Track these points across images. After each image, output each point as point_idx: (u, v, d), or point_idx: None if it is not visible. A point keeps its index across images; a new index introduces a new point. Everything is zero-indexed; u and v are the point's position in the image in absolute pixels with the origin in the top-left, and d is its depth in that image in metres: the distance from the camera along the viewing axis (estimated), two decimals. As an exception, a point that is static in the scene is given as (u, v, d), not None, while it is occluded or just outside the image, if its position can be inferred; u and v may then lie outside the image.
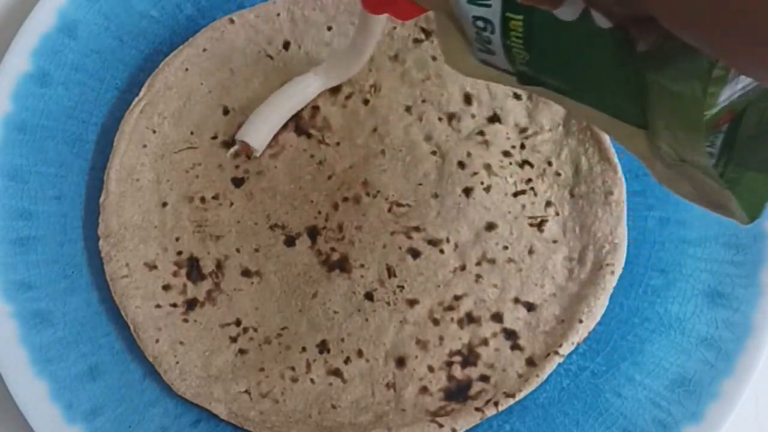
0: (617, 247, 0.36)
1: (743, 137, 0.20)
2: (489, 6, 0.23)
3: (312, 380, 0.36)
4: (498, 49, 0.24)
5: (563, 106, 0.25)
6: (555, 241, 0.37)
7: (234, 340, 0.36)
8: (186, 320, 0.37)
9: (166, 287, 0.37)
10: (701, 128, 0.19)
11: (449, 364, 0.35)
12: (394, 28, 0.40)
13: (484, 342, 0.36)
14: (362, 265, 0.37)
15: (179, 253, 0.38)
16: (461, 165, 0.38)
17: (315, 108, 0.40)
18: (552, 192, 0.38)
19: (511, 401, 0.34)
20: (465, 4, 0.23)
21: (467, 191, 0.38)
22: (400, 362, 0.36)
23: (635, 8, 0.18)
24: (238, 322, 0.37)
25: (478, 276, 0.37)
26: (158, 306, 0.37)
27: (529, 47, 0.23)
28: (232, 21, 0.40)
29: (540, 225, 0.37)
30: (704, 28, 0.15)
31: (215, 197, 0.39)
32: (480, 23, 0.23)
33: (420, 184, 0.38)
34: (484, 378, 0.35)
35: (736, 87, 0.19)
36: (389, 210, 0.38)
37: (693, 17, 0.15)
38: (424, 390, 0.35)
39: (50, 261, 0.37)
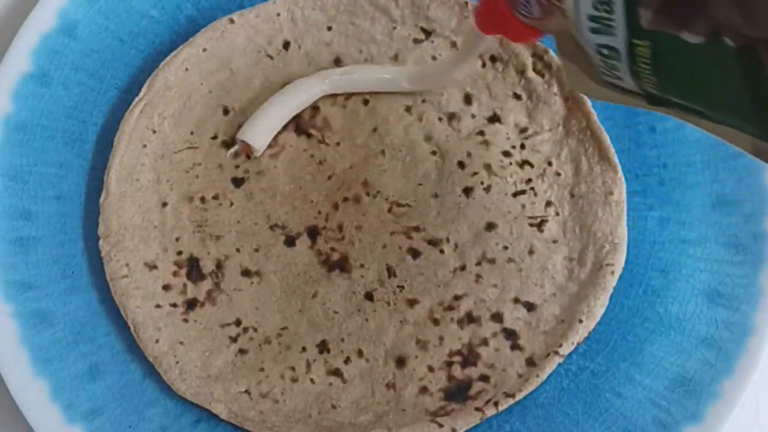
0: (617, 247, 0.36)
1: None
2: (614, 35, 0.22)
3: (312, 380, 0.36)
4: (625, 74, 0.24)
5: (697, 126, 0.25)
6: (555, 241, 0.37)
7: (234, 340, 0.36)
8: (186, 320, 0.37)
9: (166, 287, 0.37)
10: None
11: (449, 364, 0.35)
12: (394, 28, 0.40)
13: (484, 342, 0.36)
14: (362, 265, 0.37)
15: (179, 253, 0.38)
16: (461, 165, 0.38)
17: (315, 108, 0.40)
18: (552, 192, 0.38)
19: (511, 401, 0.34)
20: (588, 34, 0.23)
21: (467, 191, 0.38)
22: (400, 362, 0.36)
23: (763, 30, 0.17)
24: (238, 322, 0.37)
25: (478, 276, 0.37)
26: (158, 306, 0.37)
27: (657, 71, 0.22)
28: (232, 21, 0.40)
29: (540, 225, 0.37)
30: None
31: (215, 197, 0.39)
32: (605, 51, 0.23)
33: (420, 184, 0.38)
34: (484, 378, 0.35)
35: None
36: (389, 210, 0.38)
37: None
38: (424, 390, 0.35)
39: (50, 261, 0.37)
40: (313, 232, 0.38)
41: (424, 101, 0.39)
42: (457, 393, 0.35)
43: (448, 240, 0.37)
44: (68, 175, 0.39)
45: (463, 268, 0.37)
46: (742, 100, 0.20)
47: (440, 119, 0.39)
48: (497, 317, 0.36)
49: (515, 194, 0.38)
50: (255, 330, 0.37)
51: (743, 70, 0.20)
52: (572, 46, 0.26)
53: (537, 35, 0.29)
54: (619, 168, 0.37)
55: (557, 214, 0.37)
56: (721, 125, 0.23)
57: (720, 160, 0.37)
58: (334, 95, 0.40)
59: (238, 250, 0.38)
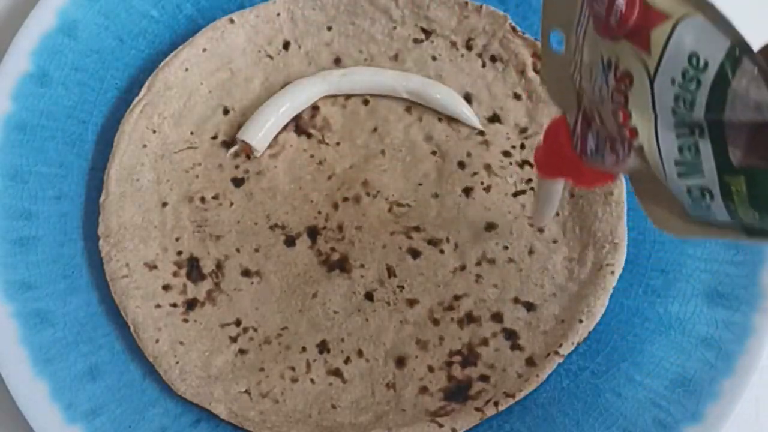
0: (617, 247, 0.36)
1: None
2: (704, 176, 0.21)
3: (312, 380, 0.36)
4: (719, 210, 0.22)
5: None
6: (555, 241, 0.37)
7: (234, 340, 0.36)
8: (186, 320, 0.37)
9: (166, 287, 0.37)
10: None
11: (449, 364, 0.35)
12: (394, 28, 0.40)
13: (484, 342, 0.36)
14: (362, 265, 0.37)
15: (179, 253, 0.38)
16: (461, 165, 0.38)
17: (315, 108, 0.40)
18: (552, 192, 0.38)
19: (511, 401, 0.34)
20: (675, 178, 0.22)
21: (467, 191, 0.38)
22: (400, 362, 0.36)
23: None
24: (238, 322, 0.37)
25: (478, 276, 0.37)
26: (158, 306, 0.37)
27: (756, 205, 0.21)
28: (232, 21, 0.40)
29: (540, 225, 0.37)
30: None
31: (215, 197, 0.39)
32: (695, 191, 0.22)
33: (420, 184, 0.38)
34: (484, 378, 0.35)
35: None
36: (389, 210, 0.38)
37: None
38: (424, 390, 0.35)
39: (50, 261, 0.37)
40: (313, 232, 0.38)
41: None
42: (457, 393, 0.35)
43: (448, 240, 0.37)
44: (68, 175, 0.39)
45: (463, 268, 0.37)
46: None
47: (440, 119, 0.39)
48: (497, 317, 0.36)
49: (515, 194, 0.38)
50: (255, 330, 0.37)
51: None
52: (652, 185, 0.24)
53: (611, 179, 0.27)
54: (619, 168, 0.37)
55: (557, 214, 0.37)
56: None
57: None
58: (334, 95, 0.40)
59: (238, 250, 0.38)
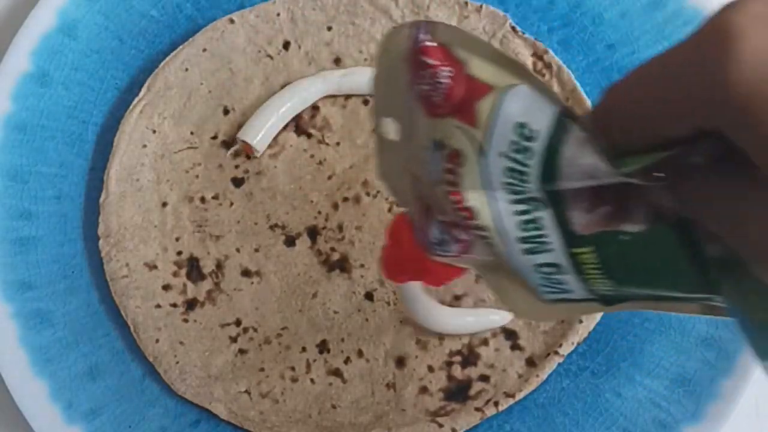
0: (617, 247, 0.36)
1: None
2: (551, 250, 0.21)
3: (312, 380, 0.36)
4: (574, 285, 0.22)
5: (654, 310, 0.23)
6: (555, 241, 0.37)
7: (234, 340, 0.36)
8: (186, 320, 0.37)
9: (166, 287, 0.37)
10: None
11: (449, 364, 0.35)
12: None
13: (484, 342, 0.36)
14: (362, 265, 0.37)
15: (179, 253, 0.38)
16: (461, 165, 0.38)
17: (315, 108, 0.40)
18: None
19: (511, 401, 0.34)
20: (521, 257, 0.21)
21: (467, 191, 0.38)
22: (400, 362, 0.36)
23: (692, 212, 0.18)
24: (238, 322, 0.37)
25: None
26: (158, 306, 0.37)
27: (609, 273, 0.21)
28: (232, 21, 0.40)
29: (540, 225, 0.37)
30: None
31: (215, 197, 0.39)
32: (545, 269, 0.21)
33: (420, 184, 0.38)
34: (484, 378, 0.35)
35: None
36: (389, 210, 0.38)
37: None
38: (424, 390, 0.35)
39: (50, 261, 0.37)
40: (313, 232, 0.38)
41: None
42: (457, 393, 0.35)
43: (448, 240, 0.37)
44: (68, 175, 0.39)
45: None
46: (689, 273, 0.20)
47: (440, 119, 0.39)
48: (497, 317, 0.36)
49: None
50: (255, 330, 0.37)
51: (684, 246, 0.19)
52: (505, 278, 0.24)
53: (459, 273, 0.26)
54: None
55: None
56: (677, 303, 0.21)
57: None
58: (334, 95, 0.40)
59: (238, 250, 0.38)
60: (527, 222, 0.21)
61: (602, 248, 0.20)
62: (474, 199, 0.21)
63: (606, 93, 0.18)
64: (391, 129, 0.25)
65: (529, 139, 0.19)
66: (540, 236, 0.21)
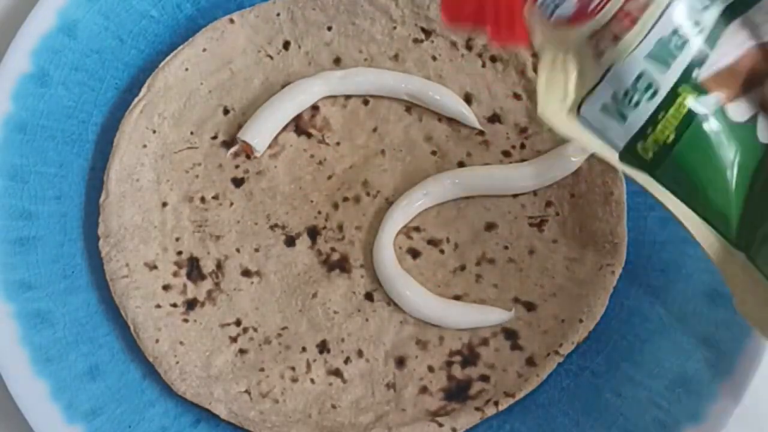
0: (617, 247, 0.36)
1: None
2: (667, 70, 0.20)
3: (312, 380, 0.36)
4: (633, 117, 0.21)
5: (660, 200, 0.22)
6: (555, 241, 0.37)
7: (234, 340, 0.36)
8: (186, 320, 0.37)
9: (166, 287, 0.37)
10: None
11: (449, 363, 0.35)
12: (394, 28, 0.40)
13: (484, 342, 0.36)
14: (362, 265, 0.37)
15: (179, 253, 0.38)
16: (461, 165, 0.38)
17: (315, 108, 0.40)
18: (552, 192, 0.38)
19: (511, 401, 0.34)
20: (641, 58, 0.20)
21: (467, 191, 0.38)
22: (400, 362, 0.36)
23: None
24: (238, 322, 0.37)
25: (478, 276, 0.37)
26: (158, 306, 0.37)
27: (679, 131, 0.20)
28: (232, 21, 0.40)
29: (540, 225, 0.37)
30: None
31: (215, 197, 0.39)
32: (641, 83, 0.21)
33: (420, 184, 0.38)
34: (484, 378, 0.35)
35: None
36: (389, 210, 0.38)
37: None
38: (424, 390, 0.35)
39: (50, 261, 0.37)
40: (313, 232, 0.38)
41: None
42: (457, 393, 0.35)
43: (448, 240, 0.37)
44: (68, 175, 0.39)
45: (463, 268, 0.37)
46: (744, 196, 0.19)
47: (440, 119, 0.39)
48: (497, 317, 0.36)
49: (515, 195, 0.38)
50: (255, 330, 0.37)
51: (762, 168, 0.19)
52: (575, 62, 0.22)
53: (525, 37, 0.23)
54: (619, 168, 0.37)
55: (557, 214, 0.37)
56: (695, 216, 0.21)
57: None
58: (334, 95, 0.40)
59: (238, 250, 0.38)
60: (676, 35, 0.20)
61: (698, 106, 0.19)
62: None
63: None
64: None
65: None
66: (674, 53, 0.20)
